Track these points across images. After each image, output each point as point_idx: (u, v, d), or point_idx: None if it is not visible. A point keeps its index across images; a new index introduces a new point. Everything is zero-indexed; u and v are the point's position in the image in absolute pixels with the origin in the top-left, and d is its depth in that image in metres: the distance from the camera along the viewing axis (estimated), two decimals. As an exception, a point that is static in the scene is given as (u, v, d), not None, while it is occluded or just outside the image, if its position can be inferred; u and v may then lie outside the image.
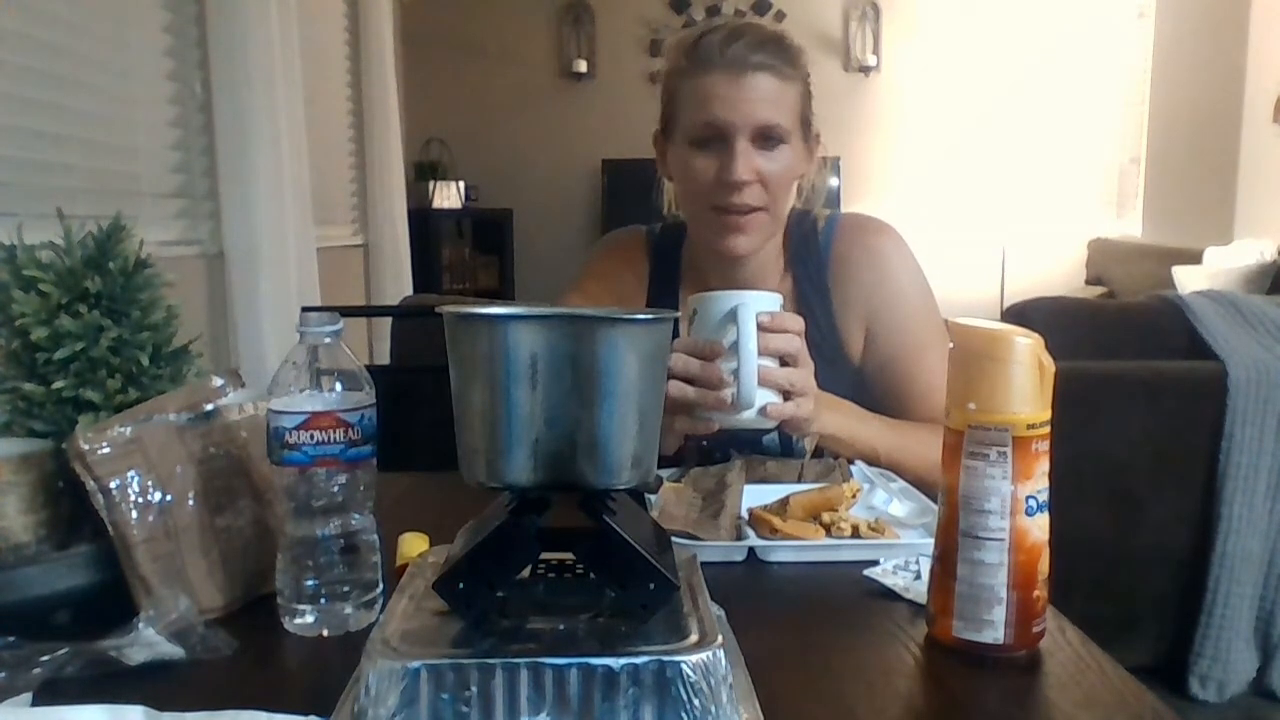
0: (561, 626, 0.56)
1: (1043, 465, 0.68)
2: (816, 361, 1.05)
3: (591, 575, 0.61)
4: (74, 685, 0.62)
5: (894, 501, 1.00)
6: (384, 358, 2.38)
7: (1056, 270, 5.35)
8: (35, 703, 0.60)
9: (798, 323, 1.02)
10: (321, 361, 0.71)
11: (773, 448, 1.20)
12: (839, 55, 5.39)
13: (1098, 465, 2.00)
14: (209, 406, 0.78)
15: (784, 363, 1.01)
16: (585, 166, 5.37)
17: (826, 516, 0.91)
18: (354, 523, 0.73)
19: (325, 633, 0.71)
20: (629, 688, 0.51)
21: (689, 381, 0.99)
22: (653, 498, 0.96)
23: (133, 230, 0.82)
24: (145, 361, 0.80)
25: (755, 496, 0.97)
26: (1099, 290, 4.94)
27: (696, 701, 0.51)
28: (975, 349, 0.68)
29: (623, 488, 0.57)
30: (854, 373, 1.26)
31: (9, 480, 0.72)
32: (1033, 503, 0.67)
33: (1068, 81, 5.37)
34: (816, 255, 1.27)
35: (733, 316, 0.98)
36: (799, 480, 1.04)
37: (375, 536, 0.75)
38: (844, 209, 4.85)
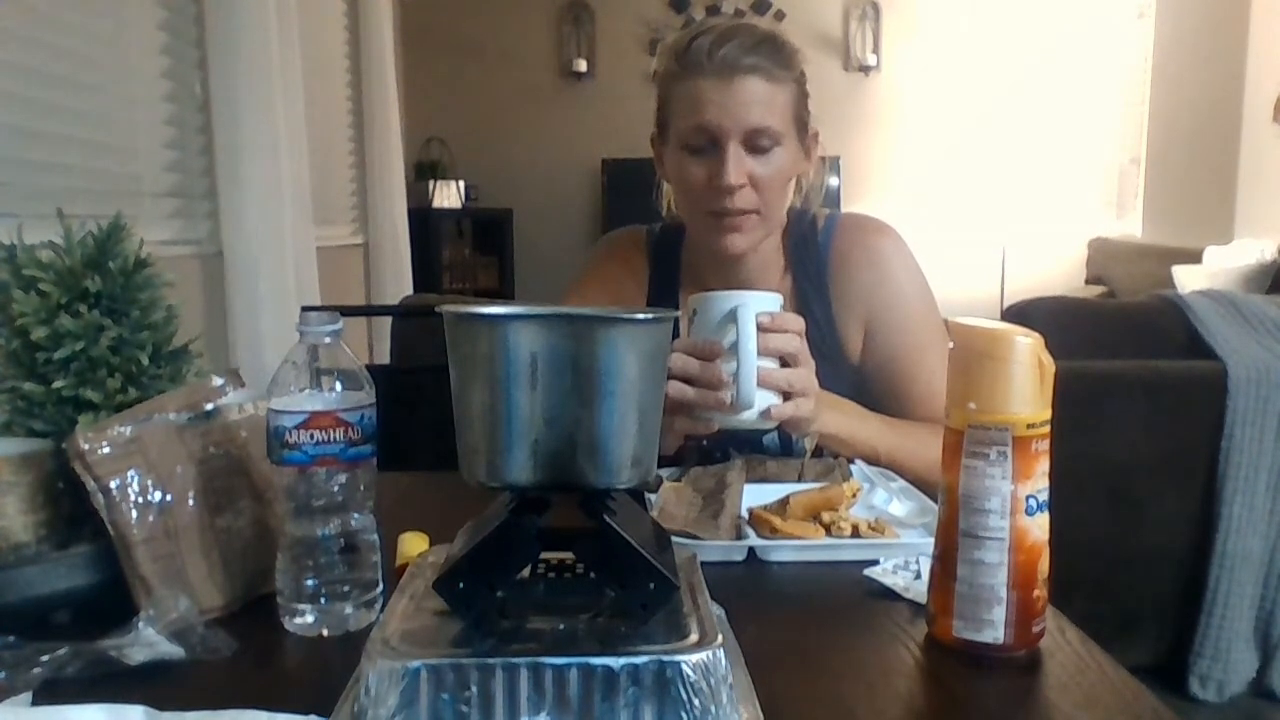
0: (561, 626, 0.56)
1: (1043, 465, 0.68)
2: (816, 361, 1.05)
3: (591, 575, 0.61)
4: (74, 685, 0.62)
5: (894, 501, 1.00)
6: (384, 357, 2.38)
7: (1056, 270, 5.35)
8: (35, 703, 0.60)
9: (798, 323, 1.02)
10: (321, 361, 0.71)
11: (773, 447, 1.20)
12: (839, 55, 5.39)
13: (1098, 465, 2.00)
14: (209, 406, 0.78)
15: (784, 363, 1.01)
16: (585, 166, 5.37)
17: (826, 516, 0.91)
18: (354, 523, 0.73)
19: (325, 633, 0.71)
20: (629, 688, 0.51)
21: (689, 382, 0.99)
22: (653, 498, 0.96)
23: (132, 230, 0.82)
24: (145, 361, 0.80)
25: (755, 496, 0.97)
26: (1099, 290, 4.93)
27: (696, 701, 0.51)
28: (975, 349, 0.68)
29: (623, 488, 0.57)
30: (853, 372, 1.26)
31: (9, 480, 0.72)
32: (1033, 502, 0.67)
33: (1068, 81, 5.36)
34: (816, 255, 1.27)
35: (732, 317, 0.98)
36: (799, 480, 1.04)
37: (375, 536, 0.75)
38: (844, 209, 4.87)
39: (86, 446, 0.70)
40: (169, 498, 0.73)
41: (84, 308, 0.77)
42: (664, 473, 1.06)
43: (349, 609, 0.72)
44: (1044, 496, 0.68)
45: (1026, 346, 0.67)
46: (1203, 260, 3.99)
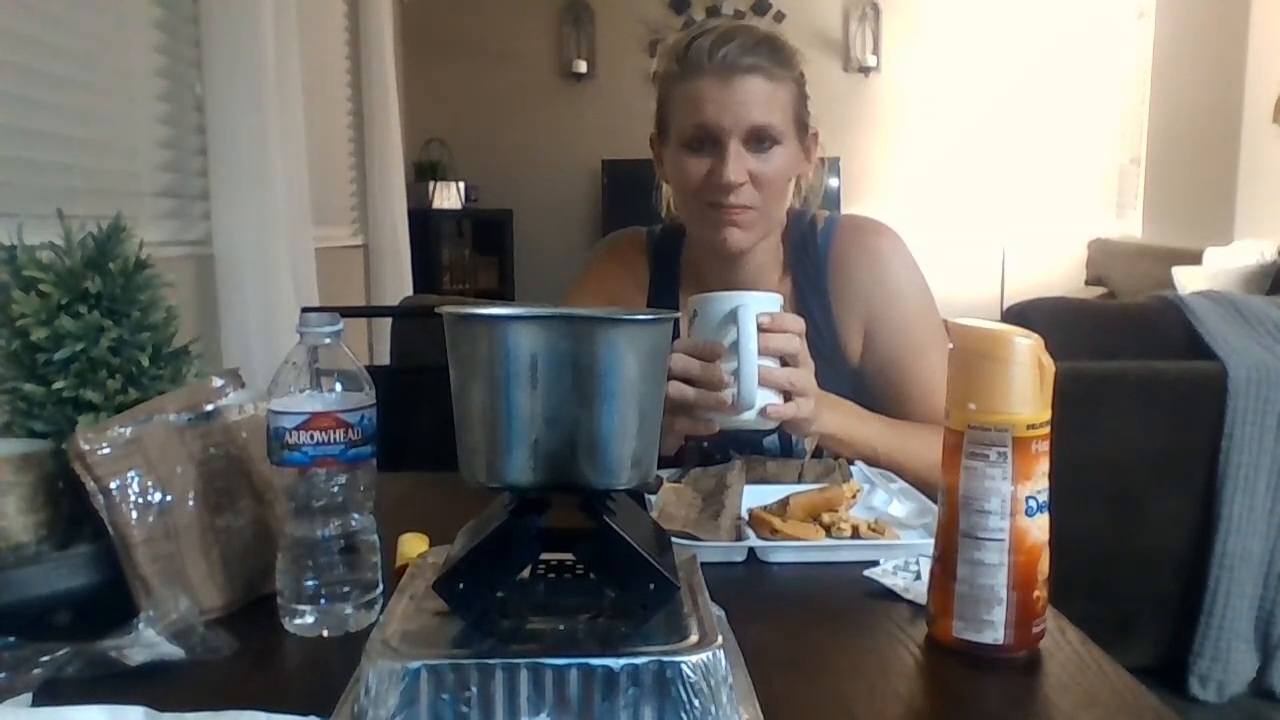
0: (561, 627, 0.56)
1: (1043, 465, 0.68)
2: (815, 362, 1.05)
3: (591, 575, 0.61)
4: (74, 685, 0.62)
5: (894, 502, 1.00)
6: (384, 358, 2.37)
7: (1056, 270, 5.35)
8: (35, 703, 0.60)
9: (798, 323, 1.02)
10: (321, 362, 0.71)
11: (773, 448, 1.20)
12: (839, 55, 5.39)
13: (1098, 465, 2.00)
14: (209, 406, 0.78)
15: (784, 363, 1.01)
16: (585, 166, 5.37)
17: (826, 517, 0.91)
18: (354, 523, 0.73)
19: (325, 633, 0.71)
20: (629, 688, 0.51)
21: (689, 382, 0.99)
22: (653, 498, 0.96)
23: (133, 231, 0.82)
24: (145, 362, 0.80)
25: (755, 497, 0.97)
26: (1099, 290, 4.94)
27: (696, 702, 0.51)
28: (975, 349, 0.68)
29: (623, 488, 0.57)
30: (853, 373, 1.26)
31: (9, 480, 0.72)
32: (1033, 503, 0.67)
33: (1068, 81, 5.36)
34: (815, 256, 1.27)
35: (733, 317, 0.98)
36: (799, 480, 1.04)
37: (375, 537, 0.75)
38: (844, 209, 4.88)
39: (87, 447, 0.70)
40: (169, 498, 0.73)
41: (84, 309, 0.77)
42: (664, 473, 1.06)
43: (349, 609, 0.72)
44: (1044, 497, 0.68)
45: (1026, 347, 0.67)
46: (1203, 261, 3.99)
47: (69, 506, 0.75)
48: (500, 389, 0.54)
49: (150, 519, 0.71)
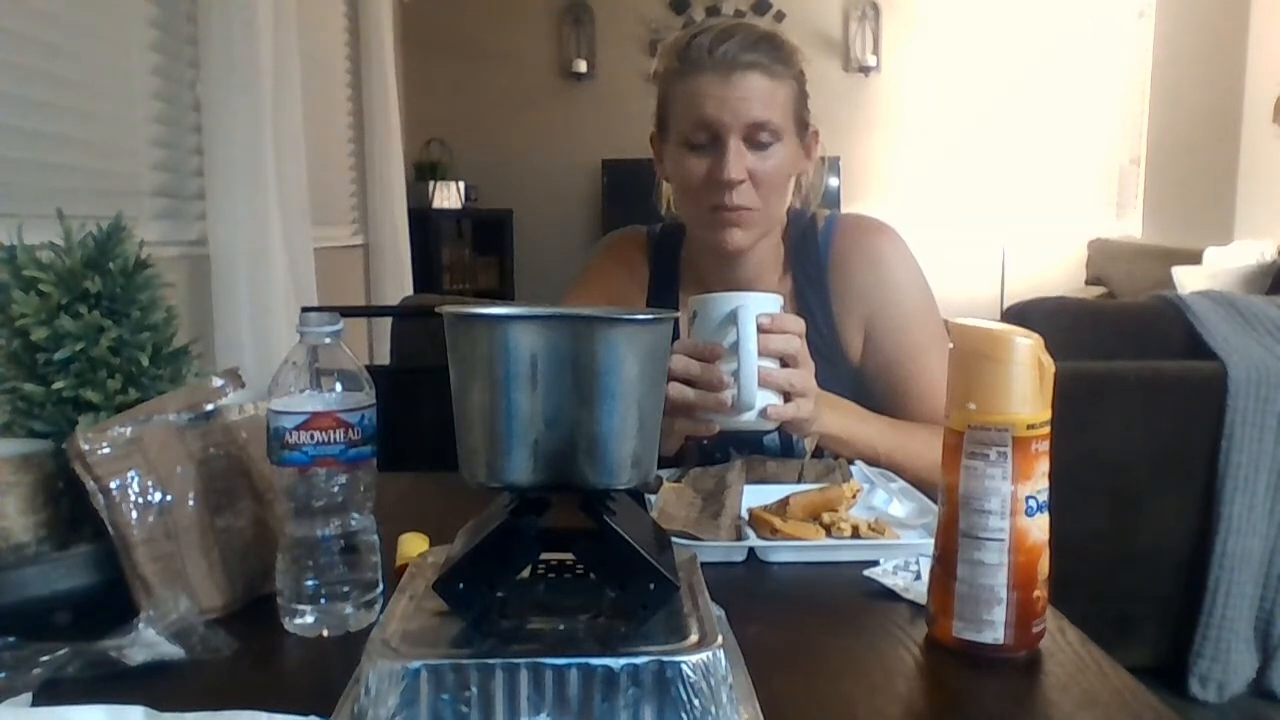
0: (561, 626, 0.56)
1: (1043, 465, 0.68)
2: (816, 362, 1.05)
3: (591, 575, 0.61)
4: (74, 685, 0.62)
5: (894, 501, 1.00)
6: (384, 358, 2.37)
7: (1056, 270, 5.35)
8: (35, 703, 0.60)
9: (798, 324, 1.02)
10: (321, 362, 0.71)
11: (773, 448, 1.20)
12: (839, 55, 5.39)
13: (1098, 465, 2.00)
14: (209, 406, 0.78)
15: (784, 364, 1.01)
16: (585, 166, 5.37)
17: (826, 517, 0.91)
18: (354, 523, 0.73)
19: (325, 633, 0.71)
20: (629, 688, 0.51)
21: (689, 383, 0.99)
22: (653, 498, 0.96)
23: (133, 231, 0.82)
24: (145, 362, 0.80)
25: (755, 496, 0.97)
26: (1099, 290, 4.93)
27: (696, 702, 0.51)
28: (975, 349, 0.68)
29: (623, 488, 0.57)
30: (853, 373, 1.26)
31: (9, 480, 0.72)
32: (1033, 503, 0.67)
33: (1068, 81, 5.36)
34: (815, 255, 1.27)
35: (733, 318, 0.98)
36: (799, 480, 1.04)
37: (375, 536, 0.75)
38: (844, 209, 4.87)
39: (87, 447, 0.70)
40: (169, 498, 0.73)
41: (84, 308, 0.77)
42: (664, 473, 1.06)
43: (349, 609, 0.72)
44: (1044, 497, 0.68)
45: (1026, 347, 0.67)
46: (1203, 261, 3.99)
47: (69, 506, 0.75)
48: (500, 389, 0.54)
49: (150, 519, 0.71)
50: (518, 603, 0.58)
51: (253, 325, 2.21)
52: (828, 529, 0.89)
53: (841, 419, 1.11)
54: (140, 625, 0.66)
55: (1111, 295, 4.77)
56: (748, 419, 0.99)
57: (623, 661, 0.51)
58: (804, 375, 1.02)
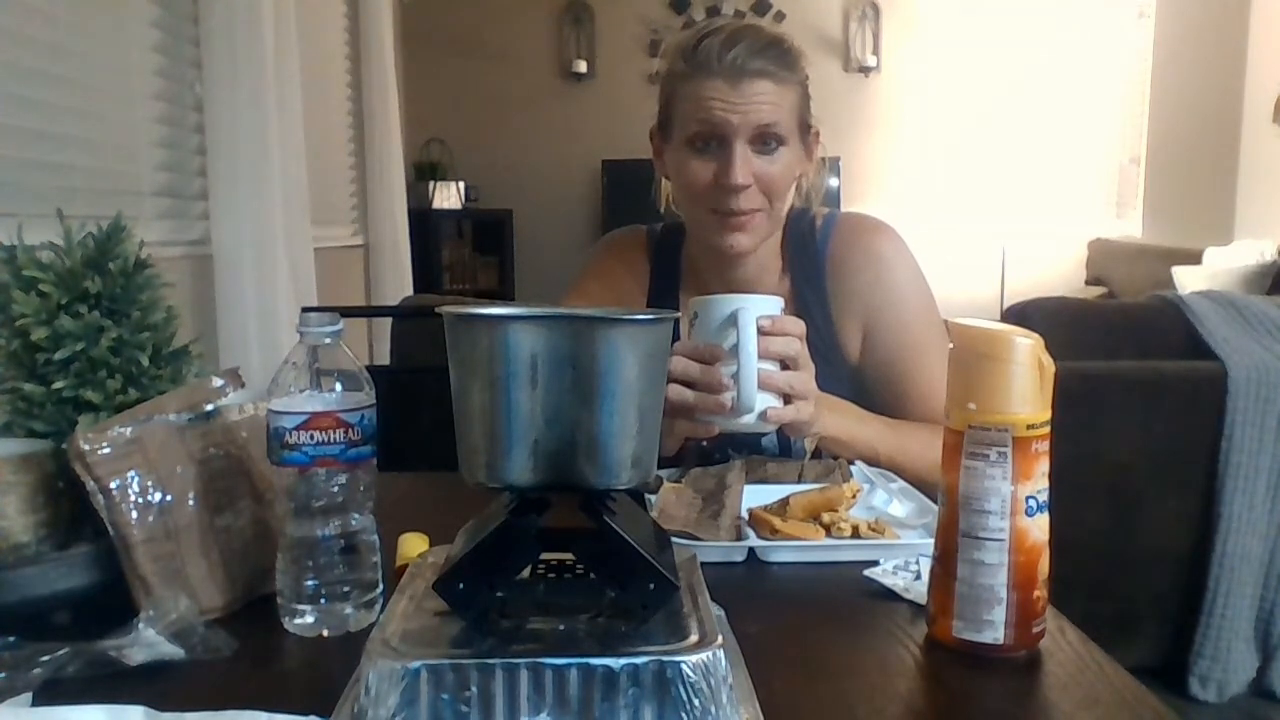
0: (561, 626, 0.56)
1: (1043, 465, 0.68)
2: (815, 362, 1.05)
3: (591, 575, 0.61)
4: (74, 685, 0.62)
5: (894, 501, 1.00)
6: (384, 358, 2.37)
7: (1056, 270, 5.35)
8: (35, 703, 0.60)
9: (798, 326, 1.02)
10: (321, 362, 0.71)
11: (772, 448, 1.20)
12: (839, 55, 5.39)
13: (1098, 465, 2.00)
14: (209, 406, 0.78)
15: (785, 366, 1.01)
16: (585, 166, 5.37)
17: (826, 517, 0.91)
18: (354, 523, 0.73)
19: (325, 633, 0.71)
20: (629, 688, 0.51)
21: (689, 385, 0.99)
22: (653, 498, 0.96)
23: (133, 230, 0.82)
24: (145, 362, 0.80)
25: (755, 497, 0.97)
26: (1099, 290, 4.93)
27: (696, 701, 0.51)
28: (975, 349, 0.68)
29: (623, 488, 0.57)
30: (852, 373, 1.26)
31: (9, 480, 0.72)
32: (1033, 503, 0.67)
33: (1068, 81, 5.36)
34: (814, 255, 1.27)
35: (733, 320, 0.98)
36: (799, 481, 1.04)
37: (375, 536, 0.75)
38: (844, 209, 4.85)
39: (87, 447, 0.70)
40: (169, 498, 0.73)
41: (84, 308, 0.77)
42: (664, 473, 1.06)
43: (349, 609, 0.72)
44: (1044, 497, 0.68)
45: (1026, 347, 0.67)
46: (1203, 261, 3.99)
47: (69, 506, 0.75)
48: (500, 389, 0.54)
49: (150, 519, 0.71)
50: (518, 603, 0.58)
51: (258, 325, 2.21)
52: (828, 529, 0.89)
53: (841, 420, 1.11)
54: (140, 625, 0.66)
55: (1111, 295, 4.77)
56: (747, 421, 0.99)
57: (623, 661, 0.51)
58: (804, 378, 1.02)
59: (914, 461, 1.11)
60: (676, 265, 1.33)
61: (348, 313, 0.87)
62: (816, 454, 1.16)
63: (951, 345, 0.70)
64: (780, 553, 0.86)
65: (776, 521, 0.89)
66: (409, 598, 0.60)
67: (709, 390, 0.98)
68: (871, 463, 1.11)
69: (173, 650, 0.65)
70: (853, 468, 1.08)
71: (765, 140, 1.15)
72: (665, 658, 0.52)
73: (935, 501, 0.78)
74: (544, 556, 0.64)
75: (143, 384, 0.80)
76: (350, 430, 0.70)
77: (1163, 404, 2.02)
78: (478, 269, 5.17)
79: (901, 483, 1.04)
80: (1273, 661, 2.06)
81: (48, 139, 1.81)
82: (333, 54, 3.61)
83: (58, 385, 0.76)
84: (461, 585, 0.55)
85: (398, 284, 3.91)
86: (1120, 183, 5.52)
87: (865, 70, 5.38)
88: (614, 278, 1.34)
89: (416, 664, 0.51)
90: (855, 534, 0.88)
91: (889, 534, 0.89)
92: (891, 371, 1.24)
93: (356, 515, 0.73)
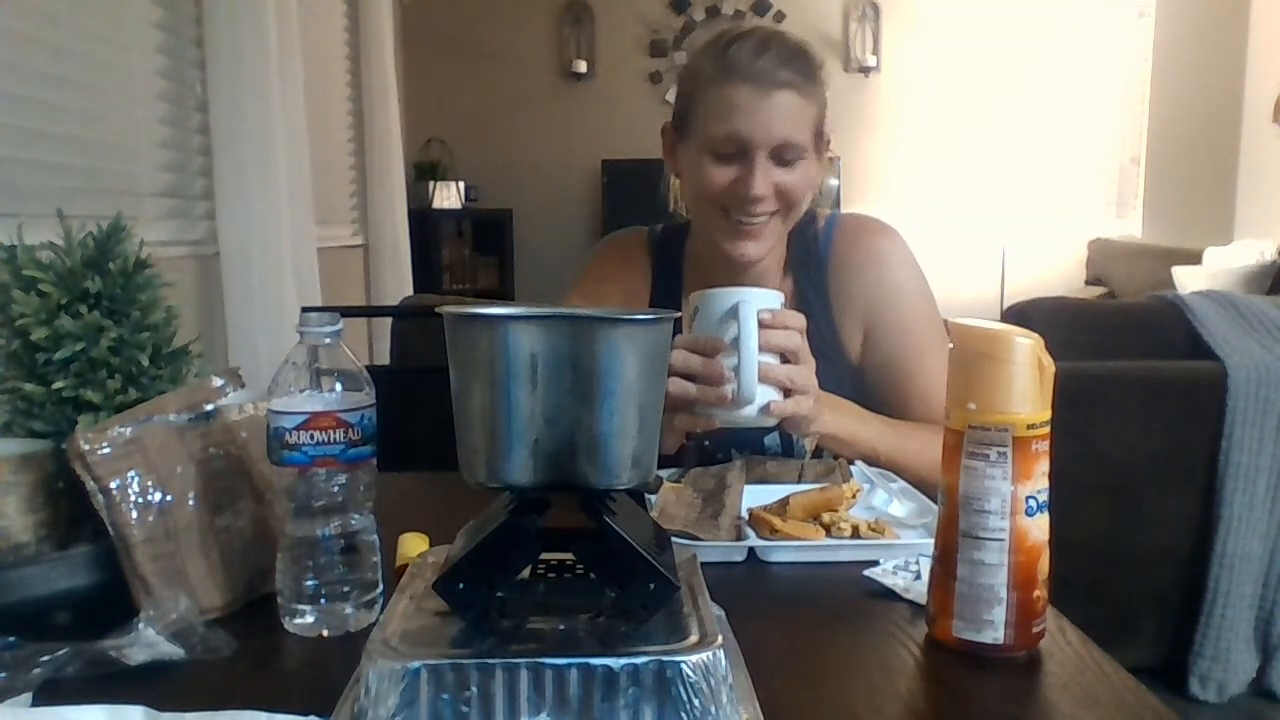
0: (561, 626, 0.56)
1: (1043, 465, 0.68)
2: (816, 360, 1.05)
3: (591, 575, 0.61)
4: (74, 685, 0.62)
5: (894, 501, 1.00)
6: (384, 358, 2.37)
7: (1056, 270, 5.35)
8: (35, 703, 0.60)
9: (799, 320, 1.02)
10: (321, 362, 0.71)
11: (773, 448, 1.20)
12: (839, 55, 5.39)
13: (1098, 465, 2.00)
14: (209, 406, 0.78)
15: (785, 360, 1.01)
16: (585, 166, 5.37)
17: (826, 517, 0.91)
18: (354, 523, 0.73)
19: (325, 633, 0.71)
20: (629, 688, 0.51)
21: (690, 378, 0.99)
22: (653, 498, 0.96)
23: (133, 230, 0.82)
24: (145, 362, 0.80)
25: (755, 496, 0.97)
26: (1099, 290, 4.93)
27: (696, 701, 0.51)
28: (975, 349, 0.68)
29: (623, 488, 0.57)
30: (853, 373, 1.26)
31: (9, 480, 0.72)
32: (1033, 503, 0.67)
33: (1068, 81, 5.36)
34: (816, 256, 1.27)
35: (734, 313, 0.98)
36: (799, 480, 1.04)
37: (375, 536, 0.75)
38: (844, 209, 4.87)
39: (87, 447, 0.70)
40: (169, 498, 0.73)
41: (84, 308, 0.77)
42: (664, 473, 1.06)
43: (349, 609, 0.72)
44: (1044, 497, 0.68)
45: (1026, 347, 0.67)
46: (1203, 261, 3.99)
47: (69, 506, 0.75)
48: (500, 389, 0.54)
49: (150, 519, 0.71)
50: (518, 603, 0.58)
51: (265, 324, 2.21)
52: (828, 529, 0.89)
53: (842, 419, 1.11)
54: (140, 625, 0.66)
55: (1111, 295, 4.77)
56: (748, 414, 0.99)
57: (623, 661, 0.51)
58: (804, 371, 1.02)
59: (914, 461, 1.11)
60: (679, 265, 1.33)
61: (348, 313, 0.87)
62: (817, 453, 1.16)
63: (951, 345, 0.70)
64: (780, 553, 0.86)
65: (776, 521, 0.89)
66: (409, 598, 0.60)
67: (710, 382, 0.98)
68: (872, 462, 1.11)
69: (173, 650, 0.65)
70: (853, 468, 1.08)
71: (786, 154, 1.15)
72: (665, 658, 0.52)
73: (935, 501, 0.78)
74: (544, 556, 0.64)
75: (143, 384, 0.80)
76: (350, 430, 0.70)
77: (1162, 404, 2.02)
78: (478, 269, 5.17)
79: (901, 483, 1.04)
80: (1273, 661, 2.06)
81: (51, 140, 1.81)
82: (333, 54, 3.61)
83: (58, 385, 0.76)
84: (461, 585, 0.55)
85: (398, 284, 3.90)
86: (1120, 183, 5.52)
87: (865, 70, 5.38)
88: (616, 277, 1.34)
89: (416, 664, 0.51)
90: (855, 534, 0.88)
91: (889, 534, 0.89)
92: (892, 371, 1.24)
93: (356, 515, 0.73)
